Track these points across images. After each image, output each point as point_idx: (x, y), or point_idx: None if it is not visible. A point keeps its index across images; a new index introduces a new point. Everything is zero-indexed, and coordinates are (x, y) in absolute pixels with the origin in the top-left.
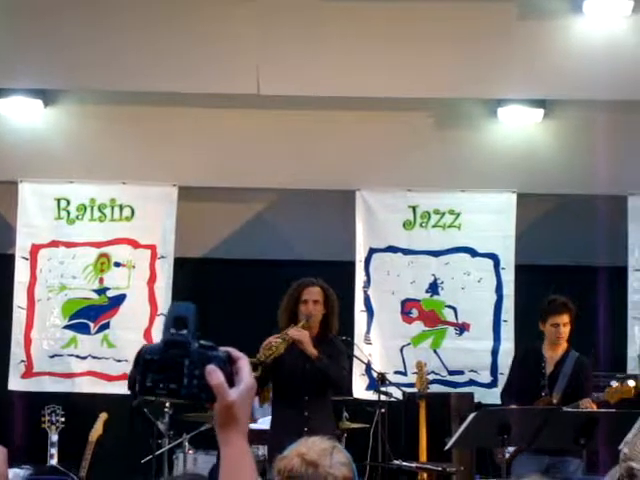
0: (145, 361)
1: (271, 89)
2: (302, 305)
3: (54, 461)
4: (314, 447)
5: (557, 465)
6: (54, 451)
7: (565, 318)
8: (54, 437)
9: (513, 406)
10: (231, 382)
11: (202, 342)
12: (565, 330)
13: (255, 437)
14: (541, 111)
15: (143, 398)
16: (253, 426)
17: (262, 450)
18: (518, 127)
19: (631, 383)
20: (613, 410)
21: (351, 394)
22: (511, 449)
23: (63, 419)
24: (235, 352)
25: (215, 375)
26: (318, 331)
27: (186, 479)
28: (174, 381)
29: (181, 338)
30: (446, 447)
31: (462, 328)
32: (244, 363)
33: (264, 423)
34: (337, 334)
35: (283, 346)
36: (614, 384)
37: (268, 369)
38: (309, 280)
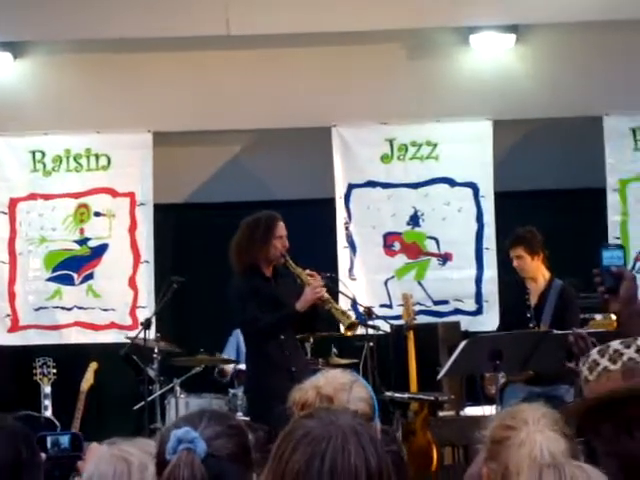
0: None
1: (241, 29)
2: (277, 241)
3: (48, 413)
4: (333, 381)
5: (548, 393)
6: (48, 403)
7: (518, 251)
8: (47, 389)
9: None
10: None
11: None
12: (521, 263)
13: (243, 377)
14: (513, 36)
15: (131, 345)
16: (241, 367)
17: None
18: (491, 54)
19: (613, 317)
20: (603, 330)
21: None
22: (502, 380)
23: (55, 370)
24: None
25: None
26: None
27: (207, 414)
28: None
29: None
30: (439, 376)
31: (445, 258)
32: None
33: None
34: None
35: None
36: (598, 318)
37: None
38: (276, 214)
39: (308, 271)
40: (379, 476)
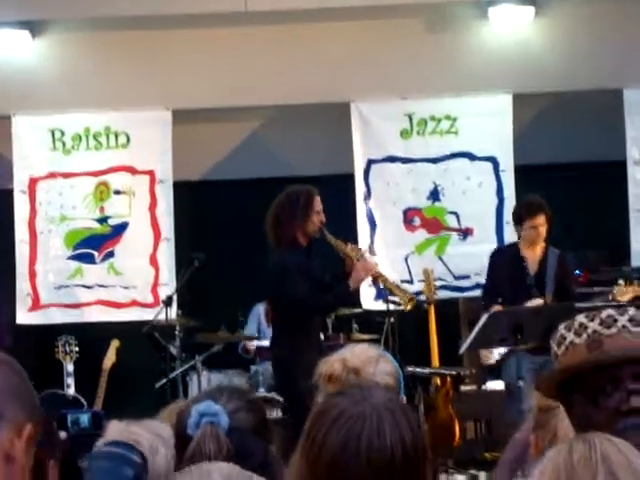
0: None
1: (258, 5)
2: (316, 215)
3: (71, 391)
4: (359, 354)
5: (552, 361)
6: (70, 381)
7: (541, 218)
8: (70, 367)
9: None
10: None
11: None
12: (543, 230)
13: (264, 354)
14: (532, 9)
15: (153, 323)
16: (263, 343)
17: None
18: (510, 27)
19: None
20: (625, 303)
21: None
22: (502, 350)
23: (77, 349)
24: None
25: None
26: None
27: (226, 390)
28: None
29: None
30: (460, 350)
31: (465, 233)
32: None
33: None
34: None
35: None
36: (622, 283)
37: None
38: (314, 189)
39: (351, 245)
40: (414, 451)
